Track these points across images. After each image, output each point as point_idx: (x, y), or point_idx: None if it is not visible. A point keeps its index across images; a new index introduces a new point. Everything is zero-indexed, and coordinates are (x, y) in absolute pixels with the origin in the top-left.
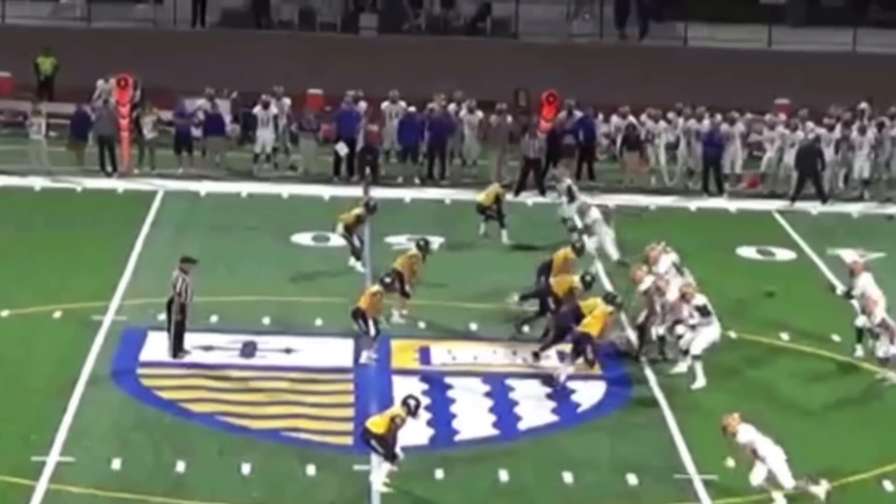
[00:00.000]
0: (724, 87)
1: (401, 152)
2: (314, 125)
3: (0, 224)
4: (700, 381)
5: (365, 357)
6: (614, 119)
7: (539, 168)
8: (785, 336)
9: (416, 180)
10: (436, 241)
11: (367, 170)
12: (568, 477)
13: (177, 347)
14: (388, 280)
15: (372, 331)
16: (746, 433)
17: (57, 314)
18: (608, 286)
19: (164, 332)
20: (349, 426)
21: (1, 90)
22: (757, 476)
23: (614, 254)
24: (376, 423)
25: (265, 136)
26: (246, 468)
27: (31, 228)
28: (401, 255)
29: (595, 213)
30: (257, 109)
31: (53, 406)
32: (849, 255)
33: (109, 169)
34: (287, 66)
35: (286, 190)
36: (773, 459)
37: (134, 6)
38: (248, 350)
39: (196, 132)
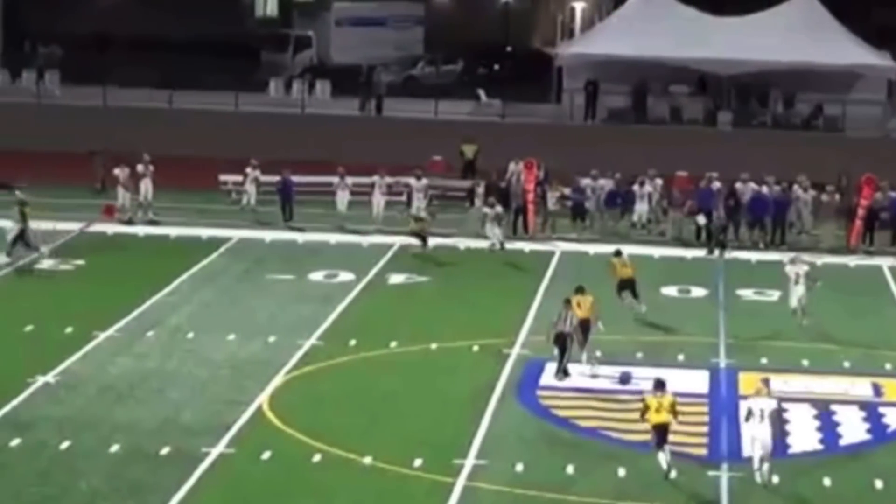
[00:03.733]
0: None
1: (750, 223)
2: (680, 200)
3: (431, 275)
4: None
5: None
6: None
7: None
8: None
9: (761, 245)
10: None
11: (721, 235)
12: (879, 483)
13: (560, 369)
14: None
15: (598, 327)
16: None
17: (475, 347)
18: None
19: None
20: (705, 440)
21: (436, 169)
22: None
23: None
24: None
25: (641, 209)
26: (622, 471)
27: (456, 279)
28: (623, 266)
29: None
30: (635, 187)
31: (471, 419)
32: None
33: (521, 232)
34: (659, 153)
35: (657, 252)
36: None
37: (539, 105)
38: (625, 378)
39: (588, 205)
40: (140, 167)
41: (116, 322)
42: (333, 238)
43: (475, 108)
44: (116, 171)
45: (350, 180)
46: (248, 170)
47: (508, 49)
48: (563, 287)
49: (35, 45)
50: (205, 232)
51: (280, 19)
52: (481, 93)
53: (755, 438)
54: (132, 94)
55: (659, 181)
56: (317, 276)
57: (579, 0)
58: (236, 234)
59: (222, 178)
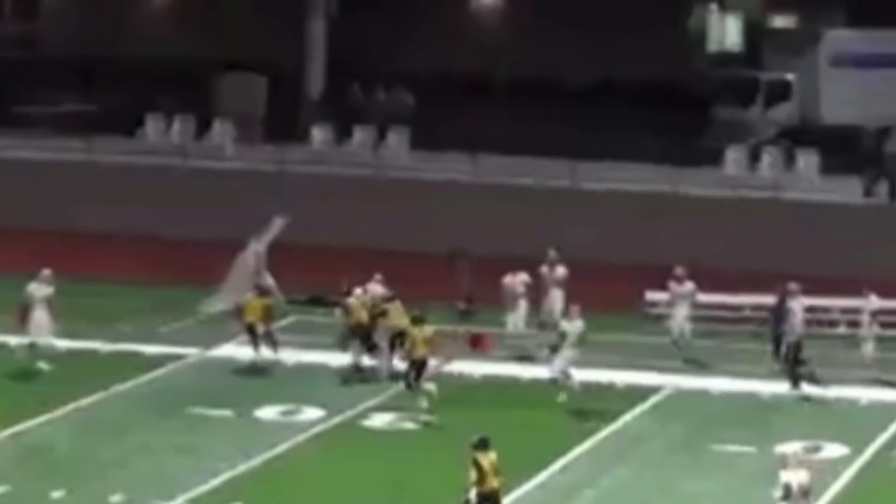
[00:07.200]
0: None
1: None
2: None
3: None
4: None
5: None
6: None
7: None
8: None
9: None
10: None
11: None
12: None
13: None
14: None
15: None
16: None
17: None
18: None
19: None
20: None
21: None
22: None
23: None
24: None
25: None
26: None
27: None
28: None
29: None
30: None
31: None
32: None
33: None
34: None
35: None
36: None
37: None
38: None
39: None
40: (544, 269)
41: None
42: (862, 393)
43: None
44: (507, 279)
45: (876, 302)
46: (673, 283)
47: None
48: None
49: (371, 90)
50: (620, 376)
51: (744, 55)
52: None
53: None
54: (512, 165)
55: None
56: (787, 446)
57: None
58: (668, 380)
59: (649, 296)
